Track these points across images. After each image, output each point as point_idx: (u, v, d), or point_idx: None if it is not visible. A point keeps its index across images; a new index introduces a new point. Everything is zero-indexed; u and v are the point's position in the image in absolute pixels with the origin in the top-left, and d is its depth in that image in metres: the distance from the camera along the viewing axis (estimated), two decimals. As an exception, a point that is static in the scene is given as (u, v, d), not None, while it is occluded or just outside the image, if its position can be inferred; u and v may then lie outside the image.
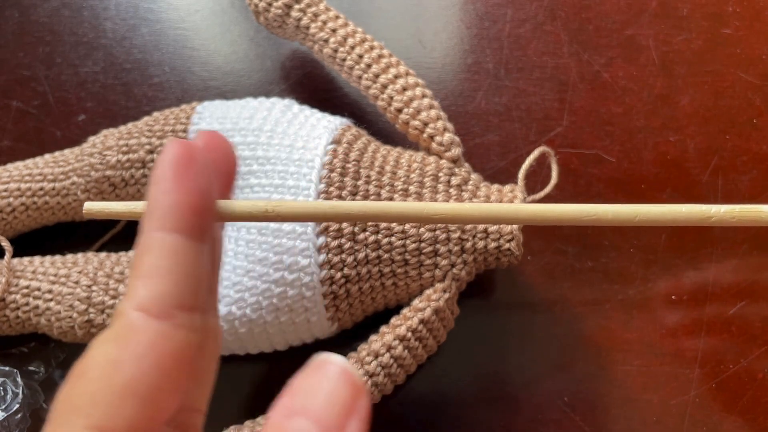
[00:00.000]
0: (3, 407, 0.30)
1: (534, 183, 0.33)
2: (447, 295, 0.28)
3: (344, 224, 0.28)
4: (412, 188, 0.28)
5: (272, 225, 0.28)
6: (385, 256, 0.28)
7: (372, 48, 0.30)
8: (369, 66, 0.30)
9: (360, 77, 0.30)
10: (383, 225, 0.28)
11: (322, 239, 0.27)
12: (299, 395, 0.16)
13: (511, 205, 0.22)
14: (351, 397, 0.16)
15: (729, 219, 0.22)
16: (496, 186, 0.29)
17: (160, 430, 0.17)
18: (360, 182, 0.28)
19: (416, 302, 0.28)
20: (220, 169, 0.21)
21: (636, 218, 0.21)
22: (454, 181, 0.29)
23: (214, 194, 0.19)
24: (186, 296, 0.18)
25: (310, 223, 0.27)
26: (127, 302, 0.17)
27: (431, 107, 0.29)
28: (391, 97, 0.30)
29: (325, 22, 0.31)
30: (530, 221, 0.22)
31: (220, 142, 0.21)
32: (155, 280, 0.17)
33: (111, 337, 0.17)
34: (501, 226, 0.28)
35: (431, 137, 0.29)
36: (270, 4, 0.31)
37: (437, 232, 0.28)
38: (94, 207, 0.20)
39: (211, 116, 0.30)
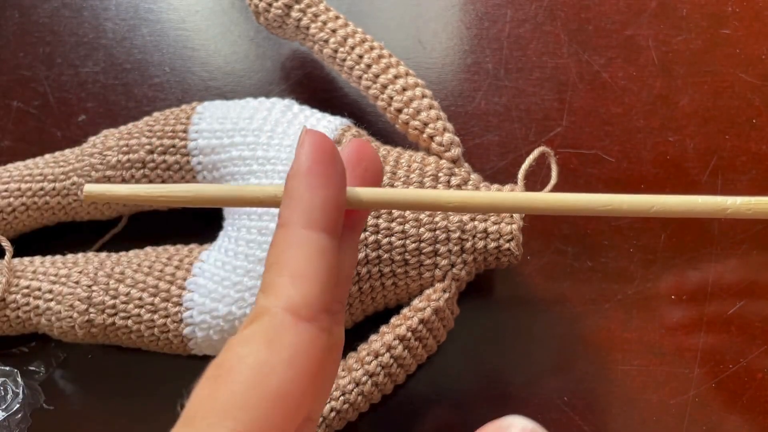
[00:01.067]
0: (3, 407, 0.30)
1: (534, 183, 0.33)
2: (447, 295, 0.28)
3: (344, 224, 0.28)
4: (411, 188, 0.28)
5: (272, 225, 0.28)
6: (385, 256, 0.28)
7: (372, 48, 0.30)
8: (369, 66, 0.30)
9: (360, 77, 0.30)
10: (383, 225, 0.28)
11: (322, 239, 0.27)
12: None
13: (525, 193, 0.22)
14: None
15: (745, 211, 0.21)
16: (495, 186, 0.29)
17: None
18: (360, 182, 0.28)
19: (416, 302, 0.28)
20: (369, 180, 0.20)
21: (652, 209, 0.21)
22: (454, 181, 0.29)
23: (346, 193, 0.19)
24: (329, 299, 0.17)
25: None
26: (274, 300, 0.17)
27: (431, 107, 0.30)
28: (391, 98, 0.30)
29: (325, 23, 0.31)
30: (545, 211, 0.21)
31: (370, 150, 0.20)
32: (305, 280, 0.17)
33: (260, 338, 0.16)
34: (500, 226, 0.28)
35: (431, 137, 0.29)
36: (270, 5, 0.31)
37: (437, 232, 0.28)
38: (95, 189, 0.20)
39: (211, 116, 0.30)
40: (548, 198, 0.21)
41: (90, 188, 0.20)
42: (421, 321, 0.28)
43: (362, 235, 0.28)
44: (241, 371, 0.16)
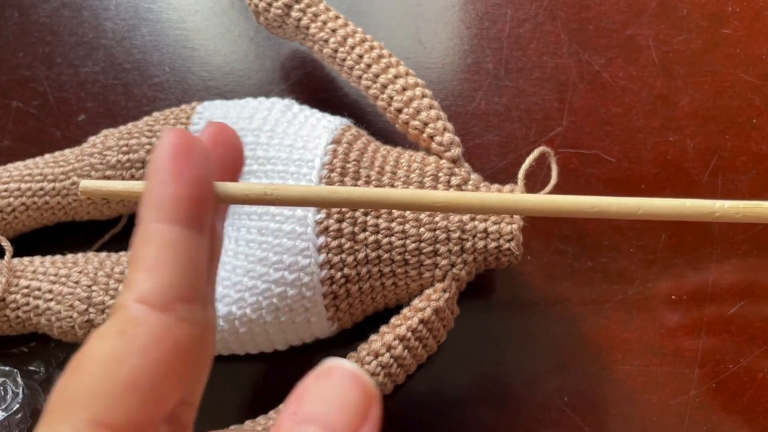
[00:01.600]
0: (3, 407, 0.30)
1: (534, 183, 0.33)
2: (447, 295, 0.28)
3: (344, 224, 0.28)
4: (411, 188, 0.28)
5: (272, 225, 0.28)
6: (385, 256, 0.28)
7: (372, 48, 0.30)
8: (369, 66, 0.30)
9: (360, 77, 0.30)
10: (383, 225, 0.28)
11: (322, 239, 0.27)
12: (310, 401, 0.16)
13: (513, 195, 0.22)
14: (363, 404, 0.16)
15: (733, 215, 0.21)
16: (495, 186, 0.29)
17: (157, 426, 0.17)
18: (360, 182, 0.28)
19: (416, 302, 0.28)
20: (227, 161, 0.20)
21: (639, 211, 0.21)
22: (454, 181, 0.29)
23: (212, 184, 0.19)
24: (187, 288, 0.17)
25: (310, 224, 0.27)
26: (128, 294, 0.17)
27: (431, 107, 0.29)
28: (391, 97, 0.30)
29: (325, 23, 0.31)
30: (533, 212, 0.21)
31: (228, 134, 0.21)
32: (157, 272, 0.17)
33: (112, 330, 0.17)
34: (500, 226, 0.28)
35: (431, 137, 0.29)
36: (270, 5, 0.31)
37: (437, 232, 0.28)
38: (91, 185, 0.20)
39: (211, 116, 0.30)
40: (535, 199, 0.21)
41: (86, 184, 0.20)
42: (421, 321, 0.28)
43: (362, 235, 0.28)
44: (93, 362, 0.16)
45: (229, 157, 0.20)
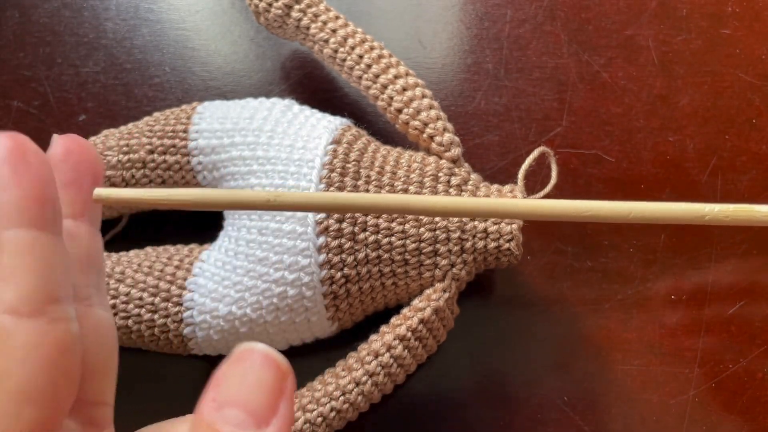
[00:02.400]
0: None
1: (533, 183, 0.33)
2: (447, 295, 0.28)
3: (344, 224, 0.28)
4: (411, 188, 0.28)
5: (272, 225, 0.28)
6: (385, 255, 0.28)
7: (372, 48, 0.30)
8: (369, 66, 0.30)
9: (360, 77, 0.30)
10: (383, 225, 0.28)
11: (322, 239, 0.27)
12: (227, 386, 0.16)
13: (505, 200, 0.22)
14: (277, 380, 0.16)
15: (723, 218, 0.22)
16: (495, 186, 0.29)
17: (62, 425, 0.17)
18: (360, 182, 0.28)
19: (416, 302, 0.28)
20: (83, 167, 0.21)
21: (630, 215, 0.22)
22: (454, 181, 0.29)
23: (55, 183, 0.18)
24: (53, 289, 0.17)
25: (310, 224, 0.27)
26: None
27: (431, 107, 0.30)
28: (391, 98, 0.30)
29: (325, 23, 0.31)
30: (525, 216, 0.22)
31: (80, 142, 0.21)
32: (16, 278, 0.17)
33: None
34: (500, 226, 0.28)
35: (431, 137, 0.29)
36: (270, 5, 0.31)
37: (437, 232, 0.28)
38: (104, 193, 0.21)
39: (211, 116, 0.30)
40: (529, 204, 0.22)
41: (99, 192, 0.21)
42: (421, 321, 0.28)
43: (362, 235, 0.28)
44: None
45: (84, 163, 0.21)
